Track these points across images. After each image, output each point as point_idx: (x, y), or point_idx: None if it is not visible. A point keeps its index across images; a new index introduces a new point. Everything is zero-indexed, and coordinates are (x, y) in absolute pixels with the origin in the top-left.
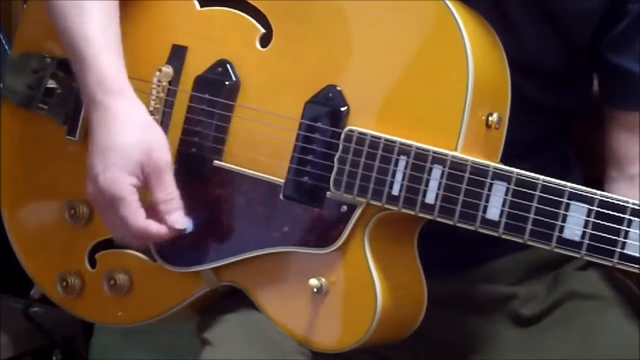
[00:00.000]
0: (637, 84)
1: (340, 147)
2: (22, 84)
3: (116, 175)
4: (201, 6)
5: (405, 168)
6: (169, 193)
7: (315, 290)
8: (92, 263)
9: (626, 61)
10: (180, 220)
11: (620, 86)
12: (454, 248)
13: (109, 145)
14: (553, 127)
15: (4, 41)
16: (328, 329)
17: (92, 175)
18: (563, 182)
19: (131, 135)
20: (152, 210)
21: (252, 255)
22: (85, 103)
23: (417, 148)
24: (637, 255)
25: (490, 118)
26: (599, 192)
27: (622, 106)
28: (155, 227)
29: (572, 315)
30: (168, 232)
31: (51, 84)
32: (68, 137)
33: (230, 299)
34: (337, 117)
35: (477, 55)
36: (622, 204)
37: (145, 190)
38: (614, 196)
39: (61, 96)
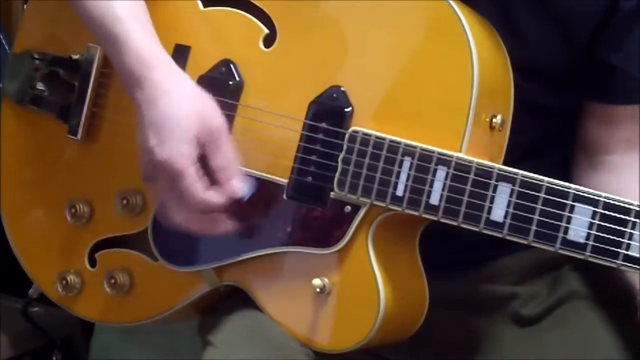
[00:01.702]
0: (622, 79)
1: (345, 147)
2: (22, 82)
3: (173, 147)
4: (204, 6)
5: (410, 169)
6: (227, 159)
7: (318, 290)
8: (92, 262)
9: (614, 57)
10: (240, 186)
11: (605, 80)
12: (455, 248)
13: (161, 119)
14: (554, 130)
15: (4, 41)
16: (330, 330)
17: (147, 151)
18: (567, 184)
19: (181, 105)
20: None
21: (254, 255)
22: (127, 84)
23: (422, 149)
24: None
25: (494, 120)
26: (603, 194)
27: (604, 100)
28: (215, 198)
29: (573, 315)
30: (227, 200)
31: (52, 82)
32: (69, 135)
33: (232, 299)
34: (341, 118)
35: (481, 57)
36: (626, 206)
37: (202, 159)
38: (618, 198)
39: (62, 94)
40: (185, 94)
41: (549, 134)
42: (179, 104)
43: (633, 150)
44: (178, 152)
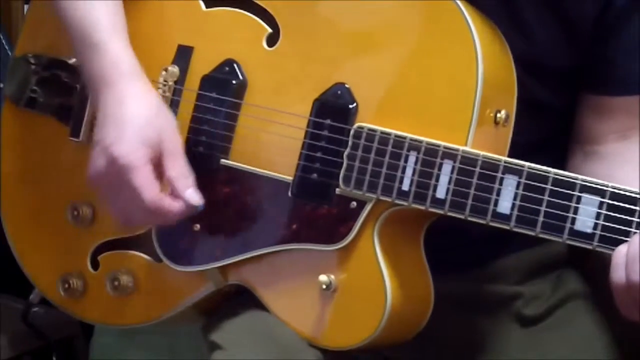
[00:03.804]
0: (617, 71)
1: (350, 143)
2: (24, 84)
3: (132, 144)
4: (207, 6)
5: (416, 164)
6: (184, 172)
7: (324, 287)
8: (95, 264)
9: (609, 49)
10: (195, 196)
11: (601, 72)
12: (458, 247)
13: (125, 118)
14: (559, 129)
15: (4, 41)
16: (337, 326)
17: (104, 146)
18: (574, 175)
19: (146, 113)
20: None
21: (259, 253)
22: (95, 85)
23: (427, 143)
24: None
25: (498, 115)
26: (610, 184)
27: (600, 91)
28: (168, 201)
29: (576, 314)
30: (181, 208)
31: (51, 84)
32: (71, 138)
33: (237, 300)
34: (346, 114)
35: (486, 52)
36: (633, 195)
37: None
38: (625, 188)
39: (64, 97)
40: (152, 107)
41: (554, 133)
42: (145, 111)
43: (624, 142)
44: (136, 149)
